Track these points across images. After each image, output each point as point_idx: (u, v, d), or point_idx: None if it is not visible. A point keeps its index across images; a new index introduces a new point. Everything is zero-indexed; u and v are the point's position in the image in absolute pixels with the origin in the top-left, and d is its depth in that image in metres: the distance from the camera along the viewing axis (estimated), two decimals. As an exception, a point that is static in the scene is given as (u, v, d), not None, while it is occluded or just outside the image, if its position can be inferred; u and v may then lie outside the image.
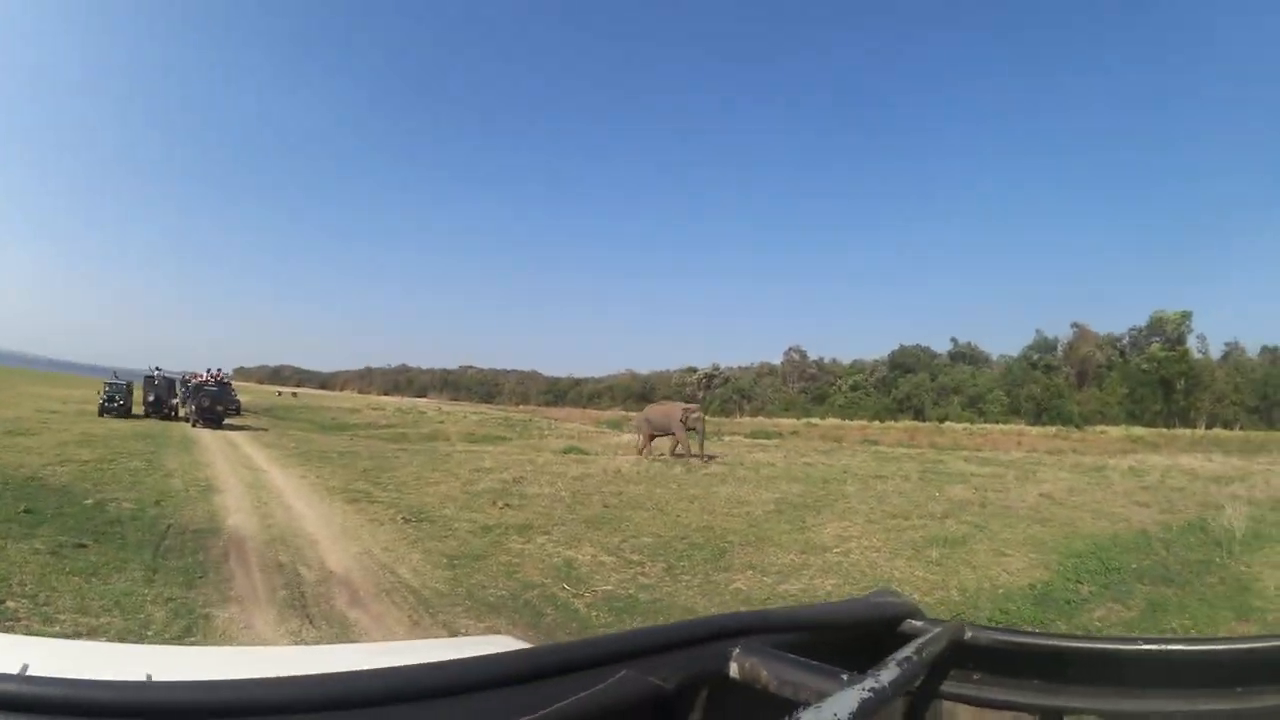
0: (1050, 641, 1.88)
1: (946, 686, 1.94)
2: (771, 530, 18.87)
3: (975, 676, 1.91)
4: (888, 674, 1.52)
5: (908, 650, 1.64)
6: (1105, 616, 12.68)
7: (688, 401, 48.50)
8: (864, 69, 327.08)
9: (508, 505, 20.95)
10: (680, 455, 38.88)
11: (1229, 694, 1.65)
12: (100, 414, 49.23)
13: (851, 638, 1.97)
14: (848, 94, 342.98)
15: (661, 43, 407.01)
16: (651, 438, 41.43)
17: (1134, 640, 1.75)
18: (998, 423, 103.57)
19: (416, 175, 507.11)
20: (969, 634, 1.89)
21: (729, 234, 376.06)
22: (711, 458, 39.02)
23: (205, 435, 42.45)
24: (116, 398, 51.83)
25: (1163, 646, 1.73)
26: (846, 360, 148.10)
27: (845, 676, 1.49)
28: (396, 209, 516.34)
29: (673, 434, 40.28)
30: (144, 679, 2.28)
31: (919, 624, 1.97)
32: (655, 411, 42.80)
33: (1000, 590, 14.01)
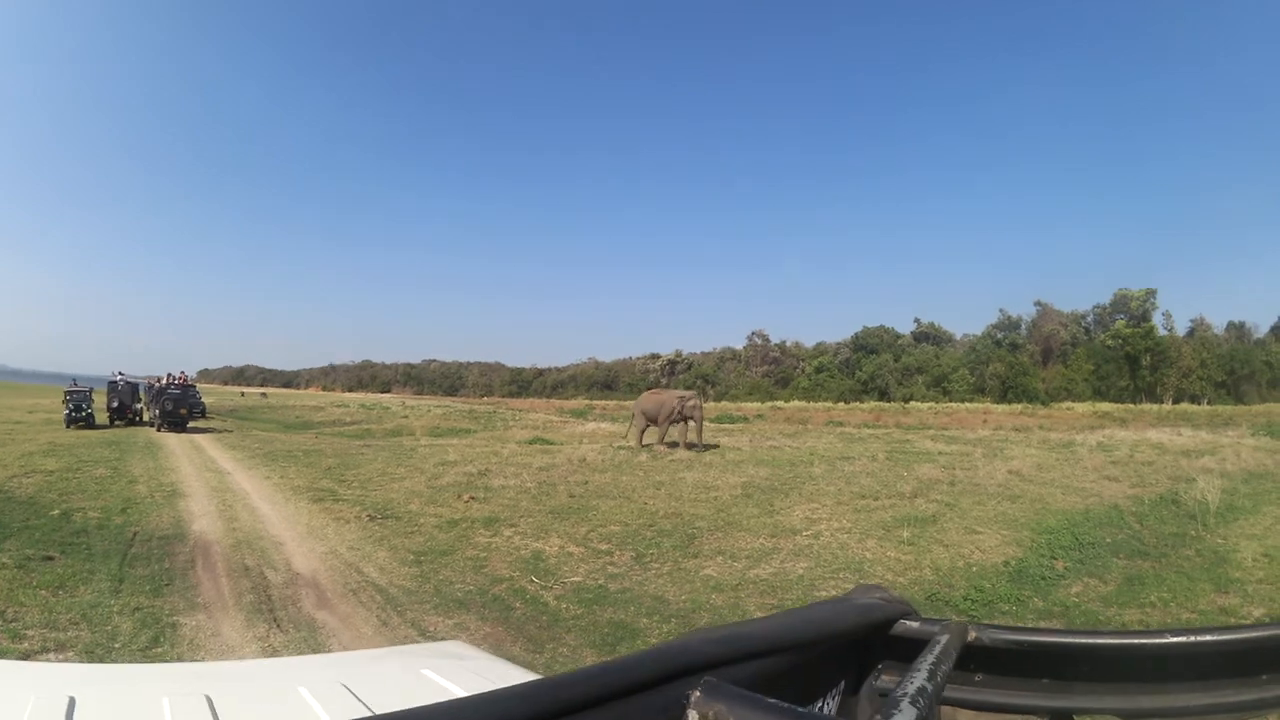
0: (1061, 639, 1.71)
1: (947, 690, 1.73)
2: (740, 515, 18.87)
3: (978, 678, 1.75)
4: None
5: (919, 678, 1.39)
6: (1083, 592, 12.75)
7: (684, 389, 42.96)
8: (823, 54, 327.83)
9: (473, 498, 20.93)
10: (673, 445, 37.02)
11: (1254, 682, 1.57)
12: (68, 425, 46.39)
13: (836, 646, 1.76)
14: (808, 77, 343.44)
15: (621, 30, 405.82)
16: (645, 429, 39.22)
17: (1160, 634, 1.61)
18: (963, 401, 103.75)
19: (375, 171, 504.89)
20: (973, 634, 1.73)
21: (689, 220, 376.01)
22: (712, 447, 37.40)
23: (170, 439, 41.98)
24: (84, 407, 48.97)
25: (1190, 638, 1.58)
26: (809, 343, 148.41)
27: None
28: (356, 206, 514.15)
29: (670, 424, 37.88)
30: (66, 700, 2.23)
31: (914, 625, 1.79)
32: (649, 401, 40.01)
33: (974, 568, 14.06)
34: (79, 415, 48.30)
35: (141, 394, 57.07)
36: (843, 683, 1.73)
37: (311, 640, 10.20)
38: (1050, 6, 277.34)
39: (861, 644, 1.81)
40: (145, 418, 53.91)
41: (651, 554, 15.14)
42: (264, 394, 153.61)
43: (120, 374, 57.47)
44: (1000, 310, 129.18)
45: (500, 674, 3.13)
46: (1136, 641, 1.67)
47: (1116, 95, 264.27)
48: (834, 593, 12.56)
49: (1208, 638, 1.59)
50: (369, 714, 2.39)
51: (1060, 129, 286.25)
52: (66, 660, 8.90)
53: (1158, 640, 1.62)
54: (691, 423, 37.05)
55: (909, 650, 1.71)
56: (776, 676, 1.47)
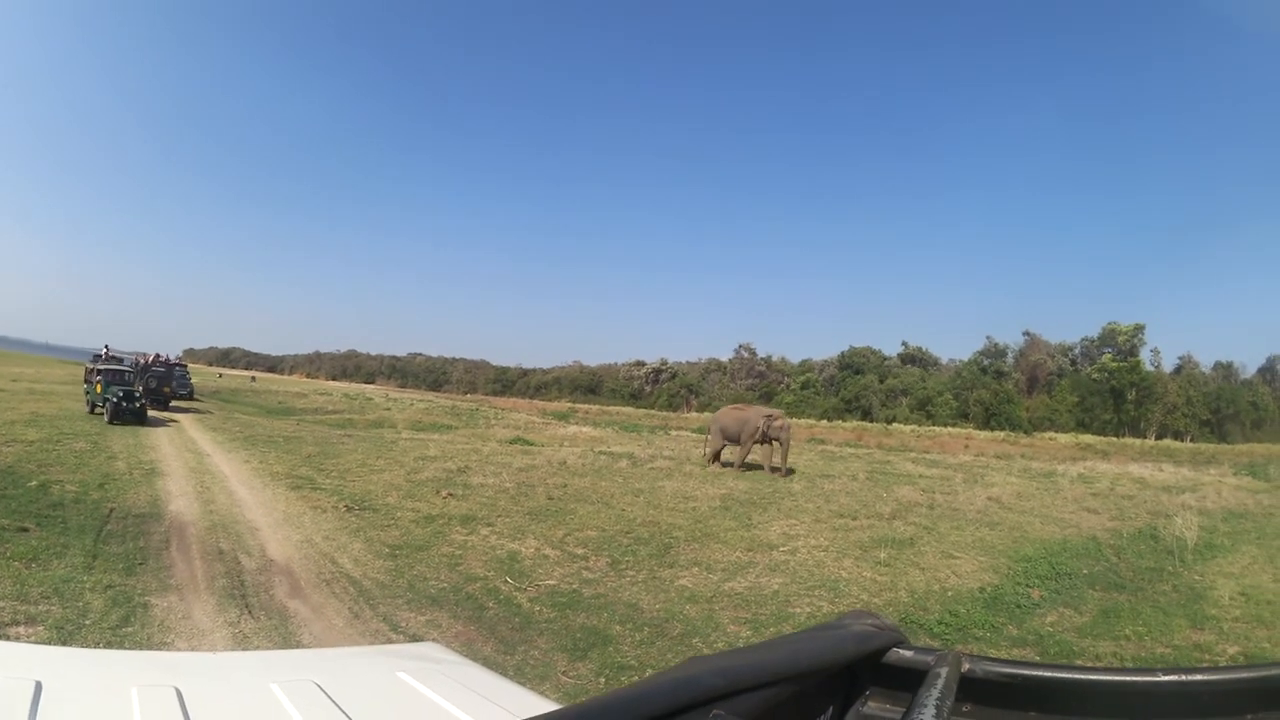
0: (1052, 674, 1.70)
1: None
2: (717, 527, 18.89)
3: (965, 708, 1.71)
4: None
5: (928, 714, 1.44)
6: (1057, 622, 12.76)
7: (768, 407, 40.50)
8: (820, 70, 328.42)
9: (451, 495, 20.97)
10: (775, 469, 33.06)
11: None
12: (111, 419, 35.43)
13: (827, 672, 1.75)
14: (803, 90, 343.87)
15: (617, 34, 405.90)
16: (723, 447, 35.61)
17: (1152, 671, 1.62)
18: (946, 426, 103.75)
19: (368, 160, 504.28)
20: (966, 666, 1.72)
21: (679, 229, 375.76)
22: (791, 472, 33.57)
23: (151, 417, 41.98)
24: (136, 395, 37.92)
25: (1181, 677, 1.59)
26: (796, 359, 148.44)
27: None
28: (348, 194, 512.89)
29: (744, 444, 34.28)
30: (33, 684, 2.22)
31: (907, 654, 1.78)
32: (730, 416, 36.06)
33: (950, 593, 14.08)
34: (129, 406, 36.92)
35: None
36: (830, 709, 1.72)
37: (282, 629, 10.18)
38: (1049, 39, 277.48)
39: (849, 670, 1.80)
40: None
41: (627, 561, 15.14)
42: (253, 378, 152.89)
43: (106, 347, 57.35)
44: (987, 337, 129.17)
45: (476, 680, 3.11)
46: (1128, 679, 1.67)
47: (1118, 127, 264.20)
48: (809, 610, 12.59)
49: (1198, 677, 1.60)
50: (342, 716, 2.37)
51: (1058, 159, 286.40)
52: (35, 633, 8.88)
53: (1149, 678, 1.63)
54: (776, 444, 33.66)
55: (899, 679, 1.71)
56: (775, 706, 1.47)
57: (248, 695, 2.63)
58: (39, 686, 2.21)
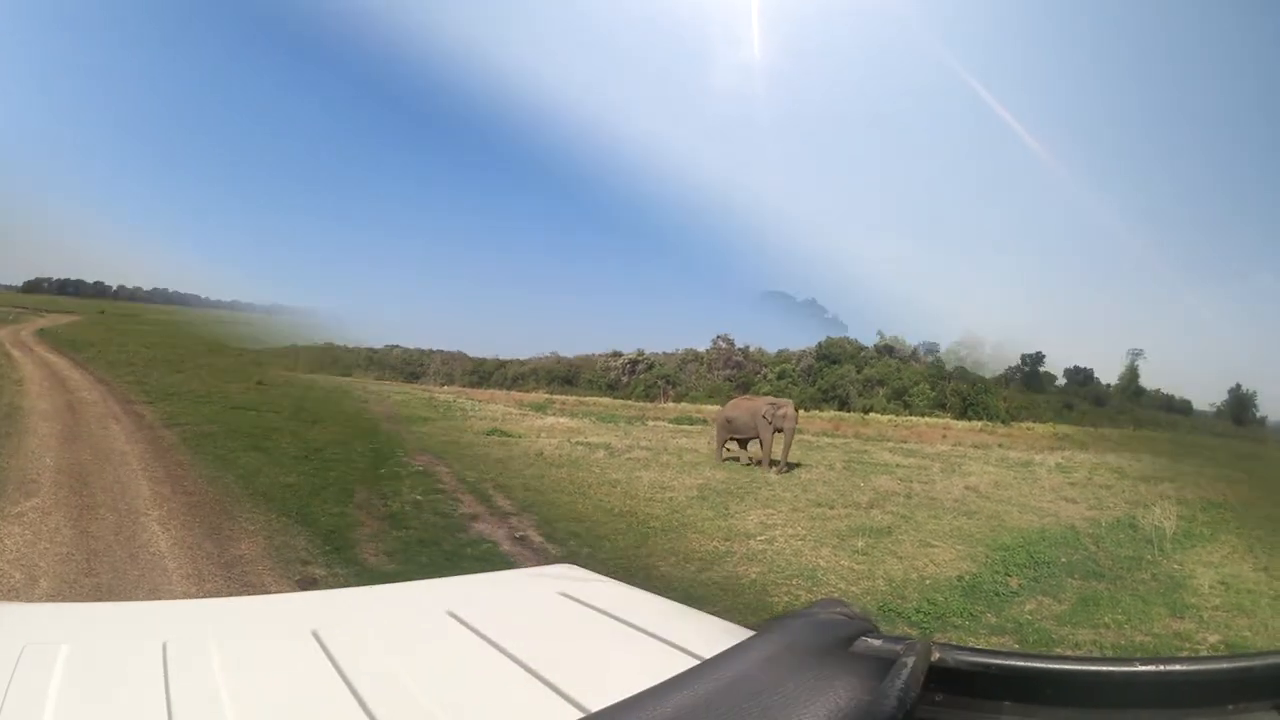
0: (1027, 663, 1.71)
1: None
2: (694, 517, 19.01)
3: (938, 698, 1.69)
4: None
5: (889, 705, 1.42)
6: (1036, 610, 12.82)
7: (775, 396, 37.67)
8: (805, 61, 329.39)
9: (429, 488, 20.68)
10: (775, 463, 30.09)
11: (1220, 712, 1.58)
12: None
13: (794, 661, 1.70)
14: (783, 84, 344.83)
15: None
16: (729, 441, 32.62)
17: (1129, 661, 1.63)
18: (923, 416, 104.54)
19: (339, 145, 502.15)
20: (937, 655, 1.69)
21: (655, 220, 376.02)
22: (794, 466, 30.92)
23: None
24: None
25: (1159, 667, 1.61)
26: (773, 349, 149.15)
27: None
28: (318, 180, 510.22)
29: (759, 438, 31.25)
30: (60, 650, 2.14)
31: (876, 644, 1.75)
32: (740, 409, 33.07)
33: (928, 581, 14.13)
34: None
35: None
36: (799, 699, 1.62)
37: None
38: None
39: (818, 660, 1.70)
40: None
41: (604, 552, 15.11)
42: None
43: None
44: (965, 328, 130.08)
45: (621, 595, 3.21)
46: (1104, 668, 1.72)
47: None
48: (786, 599, 12.61)
49: (1176, 667, 1.63)
50: (479, 639, 2.35)
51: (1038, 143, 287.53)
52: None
53: (1125, 668, 1.66)
54: (779, 435, 30.68)
55: (870, 668, 1.64)
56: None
57: (385, 627, 2.60)
58: (64, 651, 2.12)
